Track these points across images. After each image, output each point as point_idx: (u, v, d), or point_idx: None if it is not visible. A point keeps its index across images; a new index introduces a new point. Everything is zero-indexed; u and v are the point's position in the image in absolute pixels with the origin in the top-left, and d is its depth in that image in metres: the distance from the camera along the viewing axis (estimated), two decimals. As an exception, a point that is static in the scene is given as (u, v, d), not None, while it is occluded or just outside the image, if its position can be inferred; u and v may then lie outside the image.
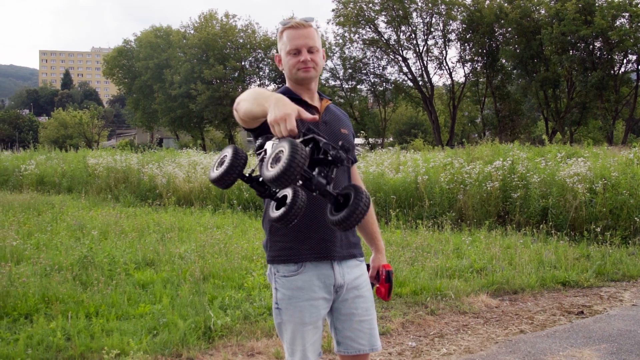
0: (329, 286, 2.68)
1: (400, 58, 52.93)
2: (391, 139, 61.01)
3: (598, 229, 9.23)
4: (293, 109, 2.14)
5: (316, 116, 2.25)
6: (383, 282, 2.94)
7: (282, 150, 1.99)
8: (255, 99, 2.34)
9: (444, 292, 6.52)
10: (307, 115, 2.17)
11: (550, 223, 9.74)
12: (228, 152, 2.28)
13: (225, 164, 2.23)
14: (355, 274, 2.76)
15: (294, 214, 2.22)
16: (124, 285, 6.45)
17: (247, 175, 2.31)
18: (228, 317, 5.42)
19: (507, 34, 49.90)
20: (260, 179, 2.28)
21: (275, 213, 2.28)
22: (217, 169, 2.28)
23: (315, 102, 2.80)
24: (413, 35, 51.76)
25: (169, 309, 5.59)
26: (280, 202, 2.29)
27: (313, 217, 2.62)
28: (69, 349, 4.72)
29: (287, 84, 2.82)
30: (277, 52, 2.81)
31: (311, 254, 2.64)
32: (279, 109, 2.14)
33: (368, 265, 2.98)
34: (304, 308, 2.63)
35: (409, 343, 5.22)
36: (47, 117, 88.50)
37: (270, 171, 1.99)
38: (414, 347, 5.13)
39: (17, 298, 5.73)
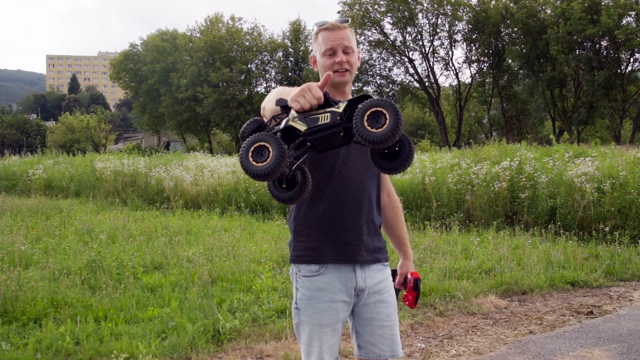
0: (350, 289, 2.64)
1: (406, 59, 52.85)
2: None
3: (607, 229, 9.19)
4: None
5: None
6: (410, 290, 2.90)
7: (384, 114, 2.03)
8: (278, 95, 2.35)
9: (452, 293, 6.50)
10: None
11: (559, 223, 9.71)
12: (265, 139, 2.10)
13: (273, 153, 2.08)
14: (377, 278, 2.71)
15: (303, 197, 2.27)
16: (132, 289, 6.46)
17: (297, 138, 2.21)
18: (236, 320, 5.42)
19: (513, 34, 49.75)
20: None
21: (282, 192, 2.29)
22: (257, 162, 2.10)
23: None
24: (419, 36, 51.67)
25: (177, 313, 5.60)
26: (290, 181, 2.29)
27: (337, 219, 2.60)
28: (78, 353, 4.73)
29: None
30: (313, 53, 2.78)
31: (333, 256, 2.61)
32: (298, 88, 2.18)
33: (395, 271, 2.95)
34: (323, 310, 2.60)
35: (418, 345, 5.20)
36: (54, 122, 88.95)
37: (378, 132, 2.01)
38: (423, 348, 5.12)
39: (26, 302, 5.75)
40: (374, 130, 2.01)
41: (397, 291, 2.92)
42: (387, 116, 2.01)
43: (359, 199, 2.63)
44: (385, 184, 2.90)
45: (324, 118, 2.13)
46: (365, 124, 2.02)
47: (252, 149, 2.10)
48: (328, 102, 2.17)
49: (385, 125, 2.01)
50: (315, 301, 2.61)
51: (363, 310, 2.70)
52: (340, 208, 2.59)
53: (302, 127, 2.14)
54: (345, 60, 2.65)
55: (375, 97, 2.06)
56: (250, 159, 2.09)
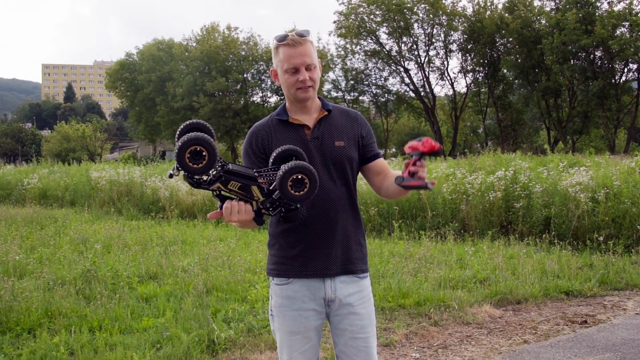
0: (319, 299, 2.69)
1: (402, 69, 53.09)
2: (394, 150, 61.09)
3: (601, 238, 9.21)
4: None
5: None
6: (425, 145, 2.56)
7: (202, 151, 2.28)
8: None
9: (447, 302, 6.51)
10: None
11: (553, 232, 9.72)
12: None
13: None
14: (349, 290, 2.72)
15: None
16: (127, 299, 6.45)
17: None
18: (231, 330, 5.42)
19: (508, 44, 50.04)
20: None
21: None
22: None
23: (313, 115, 2.76)
24: (414, 46, 51.90)
25: (172, 323, 5.59)
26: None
27: (305, 235, 2.66)
28: (73, 364, 4.72)
29: (286, 102, 2.80)
30: (274, 66, 2.75)
31: (301, 271, 2.68)
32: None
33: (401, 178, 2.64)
34: (292, 317, 2.67)
35: (412, 354, 5.21)
36: (49, 131, 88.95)
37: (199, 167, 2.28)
38: (418, 358, 5.12)
39: (20, 313, 5.74)
40: (195, 166, 2.25)
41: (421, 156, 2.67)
42: (206, 153, 2.24)
43: (326, 213, 2.66)
44: (387, 171, 2.82)
45: (234, 185, 2.41)
46: (187, 161, 2.24)
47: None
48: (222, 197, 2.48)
49: (205, 162, 2.25)
50: (285, 309, 2.69)
51: (336, 321, 2.75)
52: (307, 224, 2.63)
53: (235, 186, 2.41)
54: (308, 77, 2.65)
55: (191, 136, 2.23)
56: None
